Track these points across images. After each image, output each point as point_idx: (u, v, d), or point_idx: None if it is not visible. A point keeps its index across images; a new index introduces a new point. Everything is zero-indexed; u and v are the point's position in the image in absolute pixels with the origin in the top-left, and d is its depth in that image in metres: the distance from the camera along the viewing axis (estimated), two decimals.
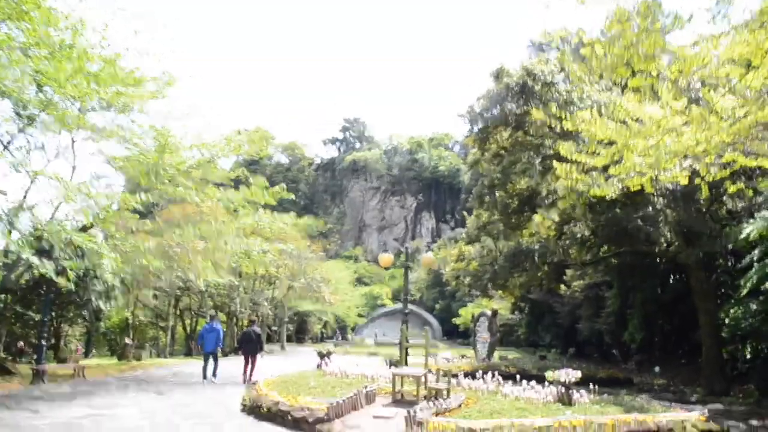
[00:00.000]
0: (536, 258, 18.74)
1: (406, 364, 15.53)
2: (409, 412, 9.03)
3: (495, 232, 21.05)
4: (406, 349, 15.11)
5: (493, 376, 13.11)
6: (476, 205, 21.10)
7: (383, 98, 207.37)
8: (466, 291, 22.79)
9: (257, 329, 18.20)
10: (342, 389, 11.69)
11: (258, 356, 17.64)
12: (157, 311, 33.96)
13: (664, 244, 17.24)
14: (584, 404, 10.99)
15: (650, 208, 15.85)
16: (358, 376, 13.24)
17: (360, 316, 74.41)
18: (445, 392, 10.93)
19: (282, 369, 19.84)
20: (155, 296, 32.64)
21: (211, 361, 17.60)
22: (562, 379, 11.05)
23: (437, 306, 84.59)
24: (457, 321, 65.82)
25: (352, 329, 77.90)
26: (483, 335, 36.24)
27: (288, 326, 52.30)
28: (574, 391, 11.26)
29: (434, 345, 64.72)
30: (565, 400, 10.84)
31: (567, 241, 18.52)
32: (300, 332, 64.17)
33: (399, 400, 11.13)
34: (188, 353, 35.52)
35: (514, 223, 21.63)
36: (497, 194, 20.55)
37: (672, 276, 25.72)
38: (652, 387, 21.53)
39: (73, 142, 19.32)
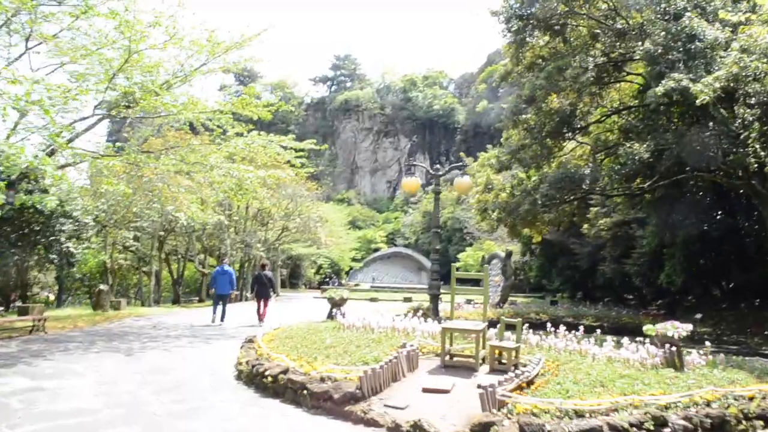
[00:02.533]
0: (585, 185, 15.76)
1: (437, 314, 12.69)
2: (483, 387, 6.13)
3: (528, 158, 17.97)
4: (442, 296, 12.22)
5: (556, 327, 10.32)
6: (509, 124, 17.97)
7: (375, 33, 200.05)
8: (494, 226, 19.80)
9: (269, 273, 18.51)
10: (370, 349, 8.78)
11: (271, 299, 18.24)
12: (139, 254, 30.90)
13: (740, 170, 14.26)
14: (699, 367, 8.17)
15: (737, 123, 12.82)
16: (387, 329, 10.33)
17: (354, 260, 71.80)
18: (513, 353, 8.03)
19: (283, 318, 17.05)
20: (136, 238, 29.55)
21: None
22: (670, 335, 8.17)
23: None
24: (457, 265, 63.35)
25: (347, 273, 75.39)
26: (495, 278, 33.62)
27: (281, 271, 49.59)
28: (684, 350, 8.41)
29: (426, 289, 62.83)
30: (677, 363, 7.99)
31: (618, 166, 15.52)
32: (293, 277, 61.68)
33: (451, 365, 8.25)
34: (175, 300, 32.70)
35: (549, 148, 18.61)
36: (533, 111, 17.43)
37: (719, 211, 22.95)
38: (702, 337, 19.03)
39: (27, 49, 15.93)
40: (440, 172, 13.67)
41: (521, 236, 25.57)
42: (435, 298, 12.98)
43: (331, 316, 13.19)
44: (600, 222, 27.81)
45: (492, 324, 12.06)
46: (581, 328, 11.11)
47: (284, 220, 37.09)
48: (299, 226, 37.63)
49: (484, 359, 8.40)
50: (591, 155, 20.77)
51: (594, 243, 30.50)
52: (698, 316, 22.25)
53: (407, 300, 37.16)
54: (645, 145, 15.39)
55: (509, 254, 35.03)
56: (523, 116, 17.13)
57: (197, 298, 36.64)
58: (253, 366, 8.23)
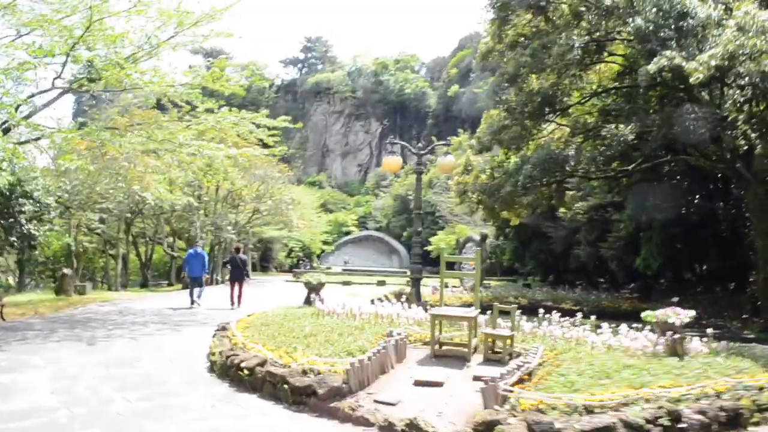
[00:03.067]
0: (569, 167, 15.33)
1: (419, 299, 12.18)
2: (484, 381, 5.61)
3: (508, 139, 17.48)
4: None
5: (535, 311, 9.87)
6: (490, 104, 17.45)
7: (347, 16, 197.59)
8: (474, 209, 19.35)
9: (243, 256, 18.78)
10: (354, 337, 8.21)
11: (245, 283, 18.02)
12: (105, 237, 29.80)
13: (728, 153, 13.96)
14: (702, 355, 7.78)
15: (727, 104, 12.47)
16: (369, 315, 9.75)
17: (325, 243, 70.96)
18: (508, 341, 7.54)
19: (257, 304, 16.43)
20: (102, 220, 28.47)
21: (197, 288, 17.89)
22: (672, 321, 7.75)
23: (404, 233, 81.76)
24: (429, 248, 63.05)
25: (318, 257, 74.62)
26: (470, 262, 33.32)
27: (252, 254, 48.67)
28: (687, 337, 8.01)
29: (402, 272, 62.39)
30: (679, 351, 7.58)
31: (603, 148, 15.11)
32: (264, 260, 60.70)
33: (441, 354, 7.73)
34: (144, 284, 31.74)
35: (529, 129, 18.21)
36: (514, 91, 16.94)
37: (696, 196, 22.86)
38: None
39: None
40: (422, 151, 13.13)
41: (497, 220, 25.16)
42: (417, 283, 12.47)
43: (308, 302, 12.59)
44: (576, 205, 27.58)
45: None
46: (559, 312, 10.67)
47: (255, 203, 36.18)
48: (271, 208, 36.75)
49: (476, 348, 7.89)
50: (569, 137, 20.43)
51: (569, 227, 30.30)
52: (674, 299, 22.12)
53: (381, 283, 36.69)
54: (629, 127, 15.02)
55: (484, 237, 34.81)
56: (505, 96, 16.61)
57: (166, 282, 35.69)
58: (227, 357, 7.60)
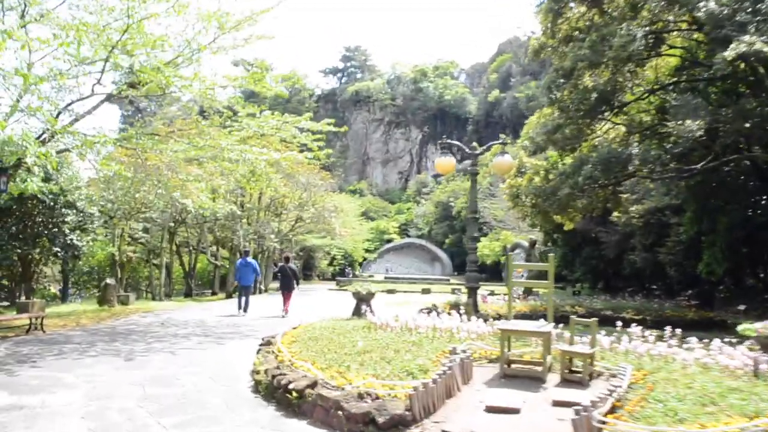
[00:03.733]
0: (633, 166, 14.29)
1: (477, 310, 11.33)
2: (576, 411, 4.77)
3: (562, 139, 16.53)
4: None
5: None
6: (544, 102, 16.51)
7: (385, 24, 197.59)
8: (527, 213, 18.39)
9: (293, 265, 19.04)
10: (412, 354, 7.43)
11: (294, 290, 18.58)
12: (149, 247, 29.71)
13: None
14: None
15: None
16: (427, 329, 8.95)
17: (367, 251, 70.35)
18: (589, 360, 6.67)
19: (302, 314, 15.81)
20: (146, 230, 28.38)
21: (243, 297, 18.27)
22: None
23: (447, 240, 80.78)
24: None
25: (360, 265, 74.09)
26: (518, 269, 32.22)
27: (295, 262, 48.37)
28: None
29: (446, 280, 61.37)
30: None
31: (670, 145, 14.05)
32: (307, 269, 60.40)
33: (511, 374, 6.90)
34: (188, 294, 31.53)
35: (583, 129, 17.24)
36: (569, 88, 15.98)
37: (764, 196, 21.45)
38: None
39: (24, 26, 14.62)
40: (477, 151, 12.32)
41: (549, 225, 24.06)
42: (474, 293, 11.60)
43: (358, 313, 11.86)
44: (631, 209, 26.31)
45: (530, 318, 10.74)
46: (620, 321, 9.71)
47: (298, 211, 35.78)
48: (313, 216, 36.34)
49: (549, 367, 7.04)
50: (624, 137, 19.36)
51: (622, 231, 29.05)
52: (741, 307, 20.82)
53: (426, 292, 35.91)
54: (697, 122, 13.91)
55: (533, 243, 33.60)
56: (558, 93, 15.66)
57: (210, 291, 35.50)
58: (273, 376, 6.90)
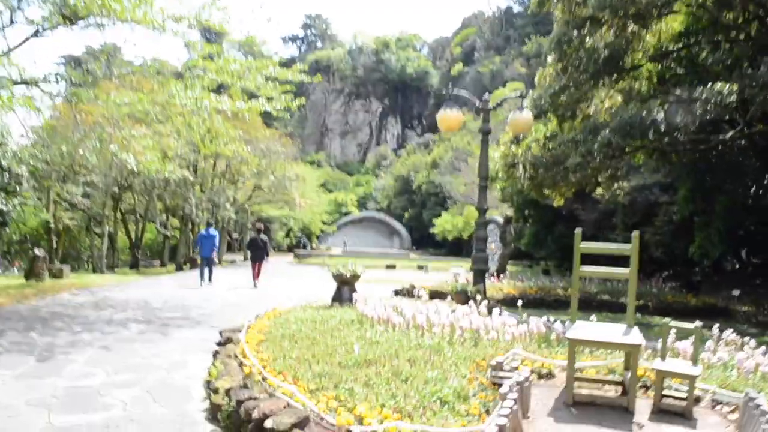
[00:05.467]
0: (652, 135, 12.44)
1: (485, 297, 9.29)
2: None
3: (564, 103, 14.60)
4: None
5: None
6: (554, 57, 14.48)
7: None
8: (523, 185, 16.45)
9: (264, 237, 19.38)
10: (437, 369, 5.32)
11: (264, 262, 19.01)
12: (90, 214, 26.80)
13: None
14: None
15: None
16: (442, 326, 6.74)
17: (325, 223, 67.93)
18: (689, 382, 4.69)
19: (268, 293, 13.66)
20: (86, 195, 25.49)
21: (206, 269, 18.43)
22: None
23: (406, 214, 79.01)
24: (435, 230, 60.30)
25: (317, 237, 71.70)
26: (491, 245, 30.50)
27: (250, 234, 45.80)
28: None
29: (405, 255, 59.69)
30: None
31: (699, 112, 12.24)
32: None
33: (583, 401, 4.87)
34: (134, 265, 28.77)
35: (586, 92, 15.47)
36: (574, 44, 14.04)
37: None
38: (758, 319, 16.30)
39: None
40: (490, 106, 10.22)
41: (541, 199, 22.17)
42: (482, 276, 9.52)
43: (340, 299, 9.61)
44: (616, 186, 24.70)
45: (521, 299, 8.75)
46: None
47: (256, 178, 33.19)
48: (272, 185, 33.82)
49: (635, 390, 5.03)
50: (621, 107, 17.59)
51: (602, 209, 27.58)
52: (735, 292, 19.48)
53: (390, 267, 33.99)
54: (727, 87, 12.14)
55: (508, 220, 31.96)
56: (569, 47, 13.63)
57: (159, 263, 32.79)
58: (238, 402, 4.72)
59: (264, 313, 9.02)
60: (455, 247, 61.96)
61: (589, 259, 5.53)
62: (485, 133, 10.10)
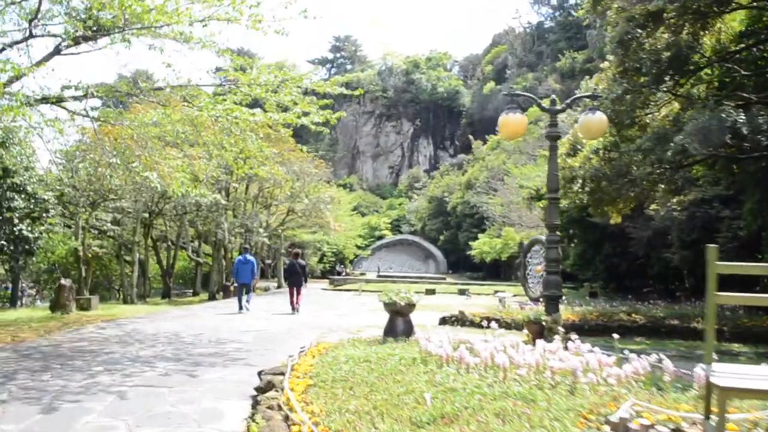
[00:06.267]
0: (731, 140, 11.11)
1: (558, 325, 8.03)
2: None
3: (625, 110, 13.31)
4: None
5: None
6: (614, 58, 13.20)
7: (376, 14, 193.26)
8: (582, 200, 15.17)
9: (302, 262, 19.38)
10: (533, 427, 4.15)
11: (303, 287, 18.80)
12: (120, 241, 26.14)
13: None
14: None
15: None
16: (529, 368, 5.45)
17: (358, 247, 66.92)
18: None
19: (307, 326, 12.59)
20: (116, 221, 24.82)
21: (244, 294, 18.35)
22: None
23: (441, 237, 77.62)
24: (472, 253, 58.78)
25: (351, 262, 70.66)
26: (537, 267, 29.09)
27: (284, 260, 44.90)
28: None
29: (442, 278, 58.24)
30: None
31: None
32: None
33: None
34: (166, 294, 28.01)
35: (648, 97, 14.28)
36: (634, 45, 12.81)
37: None
38: None
39: None
40: (557, 107, 9.03)
41: (599, 216, 20.73)
42: (555, 304, 8.21)
43: (394, 332, 8.36)
44: (672, 201, 23.14)
45: (581, 328, 7.51)
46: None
47: (289, 202, 32.29)
48: (307, 208, 32.87)
49: None
50: (678, 114, 16.23)
51: (655, 226, 25.97)
52: None
53: (430, 292, 32.67)
54: None
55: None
56: (632, 50, 12.37)
57: (191, 291, 32.01)
58: None
59: (307, 349, 7.86)
60: (493, 270, 60.36)
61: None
62: (554, 139, 8.89)
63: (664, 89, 15.12)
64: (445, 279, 57.83)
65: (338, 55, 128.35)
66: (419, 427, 4.27)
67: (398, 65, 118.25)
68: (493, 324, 8.45)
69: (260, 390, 5.99)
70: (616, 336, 7.17)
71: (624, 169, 12.64)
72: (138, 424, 5.59)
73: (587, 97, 9.86)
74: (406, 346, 7.41)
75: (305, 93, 12.74)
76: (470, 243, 60.58)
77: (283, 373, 6.37)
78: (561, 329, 7.32)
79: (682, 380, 5.68)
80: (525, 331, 7.83)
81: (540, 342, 6.33)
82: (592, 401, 4.81)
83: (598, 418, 4.42)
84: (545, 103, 10.08)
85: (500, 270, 58.58)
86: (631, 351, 6.50)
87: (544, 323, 7.61)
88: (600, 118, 8.76)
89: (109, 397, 6.60)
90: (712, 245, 4.34)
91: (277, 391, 5.81)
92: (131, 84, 14.53)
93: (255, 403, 5.52)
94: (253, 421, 4.97)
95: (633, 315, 15.57)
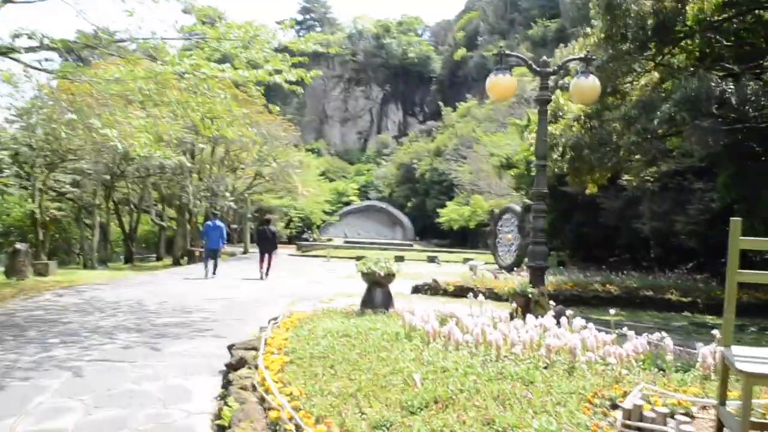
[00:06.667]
0: (717, 109, 10.84)
1: (546, 300, 7.72)
2: None
3: (607, 76, 12.92)
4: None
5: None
6: (601, 23, 12.72)
7: None
8: (559, 169, 14.84)
9: (273, 228, 19.53)
10: (539, 412, 3.78)
11: (273, 254, 18.67)
12: (81, 204, 25.12)
13: None
14: None
15: None
16: (523, 345, 5.03)
17: (326, 213, 66.13)
18: None
19: (277, 294, 12.15)
20: (76, 183, 23.81)
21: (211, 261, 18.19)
22: None
23: (409, 204, 77.23)
24: (440, 220, 58.61)
25: (318, 228, 69.91)
26: (508, 236, 29.00)
27: (250, 225, 44.08)
28: None
29: (409, 245, 58.13)
30: None
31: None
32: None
33: None
34: (128, 259, 27.20)
35: (631, 65, 14.04)
36: (622, 8, 12.40)
37: None
38: None
39: None
40: (548, 68, 8.56)
41: (578, 186, 20.44)
42: (541, 275, 7.83)
43: (371, 303, 7.83)
44: (644, 172, 23.06)
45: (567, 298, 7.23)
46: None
47: (257, 165, 31.45)
48: (275, 172, 32.08)
49: None
50: (657, 85, 15.97)
51: (626, 197, 25.96)
52: None
53: (399, 259, 32.38)
54: None
55: (527, 208, 30.13)
56: (622, 10, 11.97)
57: (155, 256, 31.20)
58: None
59: (280, 320, 7.40)
60: (460, 237, 60.26)
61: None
62: (544, 102, 8.44)
63: (648, 57, 14.87)
64: (412, 246, 57.68)
65: (307, 16, 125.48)
66: (411, 413, 3.86)
67: (369, 29, 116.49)
68: (470, 295, 8.13)
69: (231, 367, 5.54)
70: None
71: (606, 138, 12.32)
72: (96, 404, 5.11)
73: (580, 59, 9.36)
74: (386, 319, 6.99)
75: (277, 51, 12.03)
76: (438, 210, 60.32)
77: (255, 348, 5.91)
78: (552, 303, 6.98)
79: (681, 359, 5.39)
80: (510, 303, 7.46)
81: (530, 317, 5.96)
82: (594, 383, 4.47)
83: (602, 402, 4.09)
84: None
85: (467, 238, 58.58)
86: (608, 323, 6.25)
87: (530, 296, 7.27)
88: (593, 82, 8.34)
89: (65, 374, 6.08)
90: (733, 219, 3.98)
91: (250, 368, 5.36)
92: (91, 36, 13.65)
93: (227, 383, 5.06)
94: (226, 403, 4.52)
95: (607, 285, 15.48)
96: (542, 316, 6.31)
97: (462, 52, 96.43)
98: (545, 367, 4.85)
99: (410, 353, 5.20)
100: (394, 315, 7.27)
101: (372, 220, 79.56)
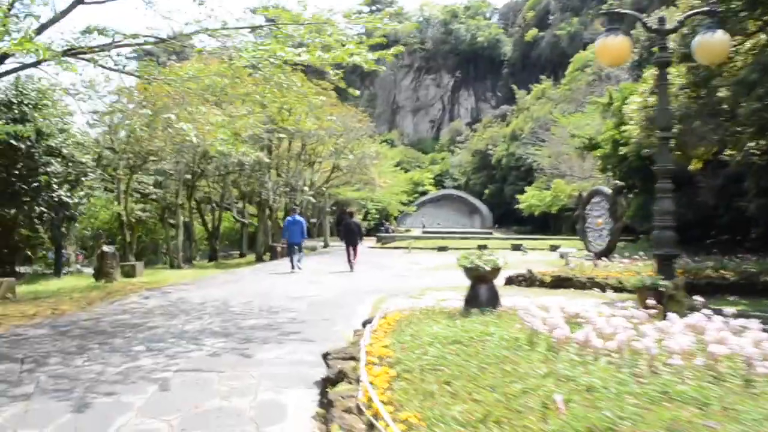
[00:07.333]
0: None
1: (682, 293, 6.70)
2: None
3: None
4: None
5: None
6: None
7: None
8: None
9: (357, 221, 20.61)
10: None
11: (359, 245, 19.22)
12: (164, 204, 25.40)
13: None
14: None
15: None
16: (684, 354, 4.21)
17: (403, 203, 65.51)
18: None
19: (363, 289, 11.57)
20: (158, 184, 24.06)
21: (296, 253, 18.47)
22: None
23: (486, 191, 75.66)
24: (520, 206, 56.95)
25: (395, 219, 69.35)
26: (598, 220, 27.48)
27: (329, 218, 43.97)
28: None
29: (488, 233, 56.68)
30: None
31: None
32: (339, 224, 55.92)
33: None
34: (212, 257, 27.40)
35: (737, 30, 12.60)
36: None
37: None
38: None
39: None
40: (666, 26, 7.49)
41: (685, 161, 19.00)
42: (670, 264, 6.82)
43: (476, 302, 7.02)
44: (748, 146, 21.20)
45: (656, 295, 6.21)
46: None
47: (334, 158, 31.09)
48: (352, 164, 31.65)
49: None
50: (764, 48, 14.34)
51: (727, 174, 24.03)
52: None
53: (482, 248, 31.36)
54: None
55: (619, 190, 28.53)
56: None
57: (237, 252, 31.41)
58: None
59: (376, 322, 6.72)
60: (542, 223, 58.43)
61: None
62: (664, 66, 7.38)
63: (755, 16, 13.37)
64: (492, 234, 56.24)
65: (374, 7, 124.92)
66: None
67: (436, 16, 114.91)
68: (607, 288, 7.22)
69: (330, 382, 4.88)
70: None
71: (716, 107, 11.04)
72: (183, 426, 4.56)
73: (704, 13, 8.18)
74: (497, 320, 6.16)
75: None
76: (517, 196, 58.69)
77: (354, 358, 5.24)
78: (695, 300, 5.99)
79: None
80: (641, 299, 6.52)
81: (674, 316, 5.02)
82: None
83: None
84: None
85: (549, 223, 56.67)
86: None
87: (663, 290, 6.30)
88: (722, 37, 7.20)
89: (151, 388, 5.59)
90: None
91: (350, 382, 4.68)
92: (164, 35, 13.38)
93: (328, 403, 4.39)
94: (327, 428, 3.85)
95: (721, 271, 14.04)
96: (678, 314, 5.36)
97: (533, 32, 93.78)
98: (713, 382, 3.93)
99: (540, 365, 4.37)
100: (504, 315, 6.45)
101: (449, 209, 78.45)
